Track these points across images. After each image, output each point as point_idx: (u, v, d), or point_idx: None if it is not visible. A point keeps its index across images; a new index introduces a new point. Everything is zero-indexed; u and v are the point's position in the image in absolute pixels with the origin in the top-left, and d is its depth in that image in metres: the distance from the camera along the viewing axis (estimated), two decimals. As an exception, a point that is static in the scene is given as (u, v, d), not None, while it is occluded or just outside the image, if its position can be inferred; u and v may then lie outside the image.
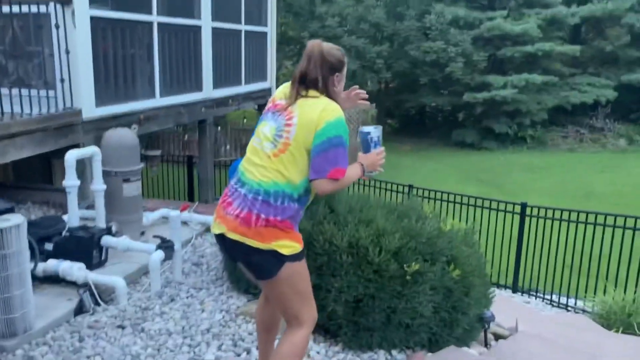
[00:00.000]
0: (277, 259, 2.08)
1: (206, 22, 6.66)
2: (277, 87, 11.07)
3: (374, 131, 2.25)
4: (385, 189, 7.01)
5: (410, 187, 6.71)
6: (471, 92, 18.65)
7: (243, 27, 7.82)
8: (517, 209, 6.05)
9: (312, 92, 2.12)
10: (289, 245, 2.09)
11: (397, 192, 6.88)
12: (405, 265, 2.94)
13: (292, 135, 2.07)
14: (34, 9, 4.33)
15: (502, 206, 6.16)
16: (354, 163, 2.20)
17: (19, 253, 2.62)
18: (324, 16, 19.12)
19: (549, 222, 5.96)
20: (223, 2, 7.36)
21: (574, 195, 11.72)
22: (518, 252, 6.19)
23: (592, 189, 12.20)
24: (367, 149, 2.26)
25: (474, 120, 19.78)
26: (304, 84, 2.12)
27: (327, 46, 2.17)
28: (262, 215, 2.06)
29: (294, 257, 2.11)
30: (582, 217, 5.70)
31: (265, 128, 2.14)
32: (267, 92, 8.81)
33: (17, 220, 2.61)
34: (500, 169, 14.86)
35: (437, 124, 22.53)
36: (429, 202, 6.51)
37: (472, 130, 19.36)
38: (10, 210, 2.18)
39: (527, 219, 6.03)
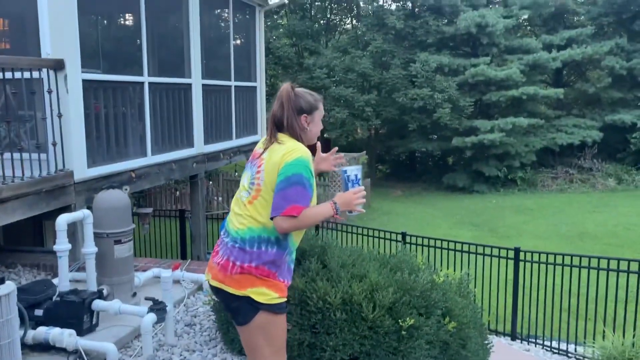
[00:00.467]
0: (252, 306, 2.13)
1: (196, 80, 6.82)
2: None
3: (351, 170, 2.27)
4: (379, 237, 6.99)
5: (404, 234, 6.70)
6: (460, 136, 18.95)
7: (233, 83, 8.00)
8: (511, 254, 6.05)
9: (281, 136, 2.23)
10: (265, 293, 2.13)
11: (391, 240, 6.87)
12: (400, 320, 2.92)
13: (262, 180, 2.17)
14: (27, 74, 4.43)
15: (495, 251, 6.15)
16: (326, 202, 2.23)
17: (8, 323, 2.58)
18: (312, 68, 19.60)
19: (543, 266, 5.96)
20: (213, 60, 7.56)
21: (567, 236, 11.74)
22: (514, 298, 6.14)
23: (585, 229, 12.24)
24: (345, 188, 2.29)
25: (464, 164, 20.01)
26: (276, 126, 2.25)
27: (299, 90, 2.29)
28: (237, 262, 2.14)
29: (271, 307, 2.14)
30: (576, 260, 5.70)
31: (244, 178, 2.30)
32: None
33: (6, 289, 2.58)
34: (493, 212, 14.92)
35: (428, 169, 22.75)
36: (422, 249, 6.50)
37: (462, 174, 19.56)
38: (1, 281, 2.16)
39: (521, 264, 6.01)
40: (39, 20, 4.61)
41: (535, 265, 5.98)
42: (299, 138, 2.22)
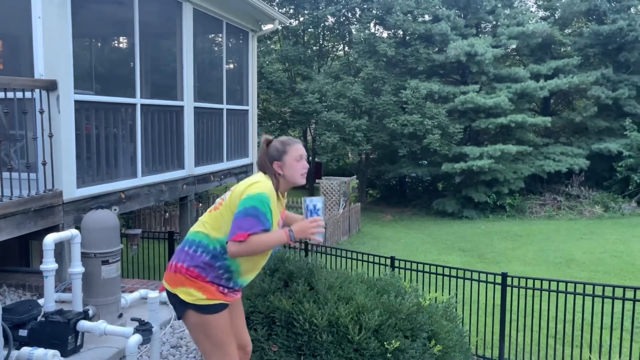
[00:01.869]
0: (181, 304, 2.38)
1: (188, 103, 6.89)
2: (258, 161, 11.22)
3: (312, 200, 2.34)
4: (368, 262, 7.00)
5: (393, 259, 6.72)
6: (449, 162, 19.12)
7: (225, 106, 8.08)
8: (498, 279, 6.09)
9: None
10: (191, 294, 2.35)
11: (380, 264, 6.88)
12: (385, 342, 2.93)
13: (225, 199, 2.42)
14: (19, 94, 4.47)
15: (483, 277, 6.19)
16: (281, 229, 2.40)
17: (-9, 342, 2.56)
18: (304, 93, 19.80)
19: (530, 291, 5.99)
20: (205, 84, 7.65)
21: (555, 262, 11.81)
22: (502, 323, 6.15)
23: (572, 256, 12.31)
24: (306, 217, 2.39)
25: (453, 189, 20.15)
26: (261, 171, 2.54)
27: (275, 140, 2.54)
28: (174, 262, 2.43)
29: (198, 308, 2.36)
30: (563, 286, 5.75)
31: None
32: (249, 167, 8.97)
33: (-9, 307, 2.57)
34: (482, 238, 14.99)
35: (418, 194, 22.87)
36: (411, 274, 6.52)
37: (452, 200, 19.68)
38: (-15, 300, 2.16)
39: (508, 289, 6.05)
40: (33, 42, 4.67)
41: (523, 291, 6.01)
42: (279, 181, 2.46)
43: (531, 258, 12.27)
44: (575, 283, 5.66)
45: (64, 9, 4.69)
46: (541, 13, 23.44)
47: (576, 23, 23.60)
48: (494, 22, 22.10)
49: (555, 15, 22.81)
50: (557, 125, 21.53)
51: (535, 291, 5.96)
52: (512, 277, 6.02)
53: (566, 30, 22.61)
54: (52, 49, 4.64)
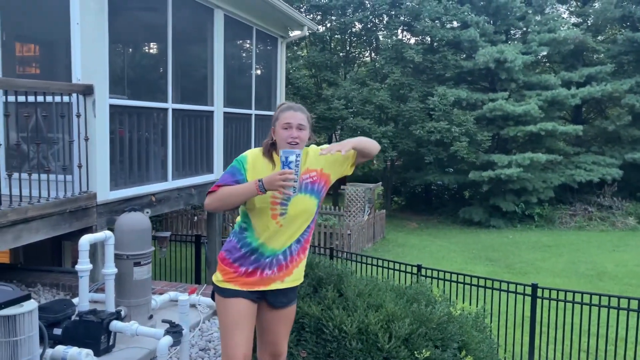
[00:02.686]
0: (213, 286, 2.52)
1: (218, 108, 6.97)
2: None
3: (284, 152, 2.25)
4: (394, 269, 6.96)
5: (419, 267, 6.67)
6: (477, 170, 18.89)
7: (253, 111, 8.15)
8: (528, 290, 5.98)
9: None
10: (216, 276, 2.48)
11: (406, 272, 6.83)
12: (416, 352, 2.90)
13: None
14: (57, 98, 4.59)
15: (512, 287, 6.08)
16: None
17: (29, 340, 2.63)
18: (330, 99, 19.84)
19: (561, 304, 5.86)
20: (235, 89, 7.73)
21: (586, 275, 11.53)
22: (531, 335, 6.03)
23: (604, 268, 12.01)
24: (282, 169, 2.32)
25: (480, 198, 19.88)
26: None
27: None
28: None
29: (217, 289, 2.48)
30: (596, 299, 5.61)
31: None
32: (275, 173, 9.01)
33: (29, 306, 2.64)
34: (509, 248, 14.74)
35: (444, 202, 22.63)
36: (437, 282, 6.45)
37: (479, 208, 19.41)
38: (27, 298, 2.22)
39: (538, 301, 5.93)
40: (71, 47, 4.79)
41: (554, 303, 5.89)
42: (275, 146, 2.45)
43: (561, 269, 12.01)
44: (609, 296, 5.53)
45: (101, 15, 4.80)
46: (573, 19, 23.03)
47: (610, 30, 23.10)
48: (524, 29, 21.80)
49: (588, 21, 22.40)
50: (589, 133, 21.07)
51: (567, 304, 5.84)
52: (543, 289, 5.91)
53: (599, 37, 22.17)
54: (89, 54, 4.75)
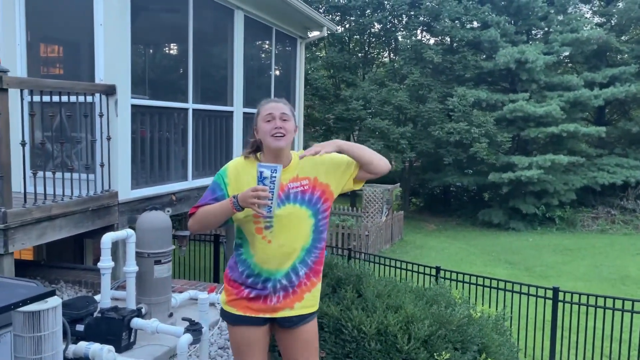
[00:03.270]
0: None
1: (238, 108, 7.01)
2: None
3: (260, 166, 2.03)
4: (412, 271, 6.92)
5: (438, 269, 6.62)
6: (496, 172, 18.69)
7: (273, 112, 8.17)
8: (549, 293, 5.89)
9: None
10: (222, 294, 2.34)
11: (424, 274, 6.79)
12: (435, 353, 2.88)
13: None
14: (81, 98, 4.66)
15: (532, 290, 6.01)
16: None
17: (53, 335, 2.67)
18: (348, 99, 19.81)
19: (583, 308, 5.77)
20: (254, 89, 7.77)
21: (609, 278, 11.33)
22: (552, 340, 5.95)
23: (627, 272, 11.78)
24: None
25: (500, 200, 19.67)
26: None
27: None
28: None
29: (220, 310, 2.34)
30: (619, 303, 5.51)
31: None
32: (294, 173, 9.02)
33: (53, 303, 2.68)
34: (530, 251, 14.55)
35: (463, 204, 22.43)
36: (457, 285, 6.40)
37: (498, 211, 19.20)
38: (51, 294, 2.26)
39: (560, 305, 5.85)
40: (95, 48, 4.86)
41: (575, 307, 5.81)
42: (259, 148, 2.30)
43: (583, 273, 11.82)
44: (633, 301, 5.42)
45: (124, 16, 4.86)
46: (597, 19, 22.64)
47: (634, 30, 22.66)
48: (546, 29, 21.51)
49: (612, 21, 22.00)
50: (612, 135, 20.70)
51: (589, 307, 5.74)
52: (564, 292, 5.82)
53: (623, 37, 21.76)
54: (112, 54, 4.82)
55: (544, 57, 18.97)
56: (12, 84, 3.85)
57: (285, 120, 2.19)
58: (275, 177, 1.99)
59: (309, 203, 2.20)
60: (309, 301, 2.25)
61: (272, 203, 2.01)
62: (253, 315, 2.22)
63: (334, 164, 2.26)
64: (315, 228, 2.22)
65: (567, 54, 20.90)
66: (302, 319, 2.25)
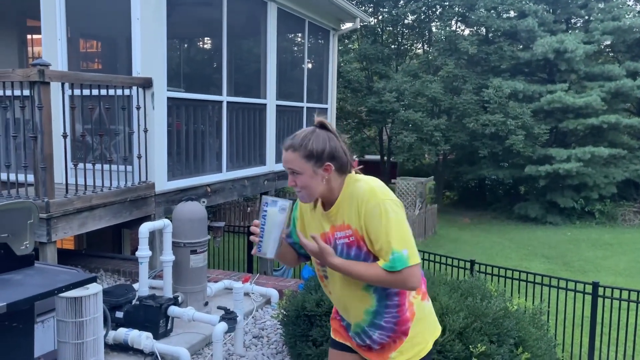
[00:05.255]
0: None
1: (271, 101, 7.05)
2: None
3: (264, 199, 1.79)
4: (446, 264, 6.84)
5: (473, 262, 6.52)
6: (533, 164, 18.26)
7: (305, 104, 8.19)
8: (589, 288, 5.73)
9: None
10: None
11: (459, 267, 6.70)
12: (470, 346, 2.84)
13: None
14: (119, 92, 4.77)
15: (571, 285, 5.85)
16: None
17: (95, 321, 2.75)
18: (381, 91, 19.65)
19: (624, 303, 5.60)
20: (287, 82, 7.79)
21: (651, 274, 10.95)
22: (591, 336, 5.79)
23: (671, 268, 11.37)
24: None
25: (537, 193, 19.22)
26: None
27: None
28: None
29: None
30: (662, 299, 5.32)
31: None
32: (327, 166, 9.03)
33: (95, 289, 2.76)
34: (568, 245, 14.19)
35: (498, 197, 22.01)
36: (492, 279, 6.29)
37: (535, 204, 18.76)
38: (92, 281, 2.33)
39: (599, 300, 5.68)
40: (131, 42, 4.96)
41: (616, 303, 5.64)
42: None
43: (623, 268, 11.46)
44: (678, 297, 5.23)
45: (160, 10, 4.94)
46: (639, 7, 21.79)
47: (680, 17, 21.71)
48: (586, 17, 20.81)
49: (656, 8, 21.14)
50: (656, 127, 19.92)
51: (630, 303, 5.57)
52: (604, 288, 5.66)
53: (668, 25, 20.87)
54: (148, 48, 4.91)
55: (584, 46, 18.37)
56: (53, 77, 3.96)
57: (295, 173, 1.79)
58: (265, 211, 1.74)
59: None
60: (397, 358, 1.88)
61: (261, 241, 1.75)
62: (340, 340, 2.03)
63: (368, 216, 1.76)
64: (376, 288, 1.81)
65: (608, 43, 20.18)
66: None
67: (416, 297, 1.88)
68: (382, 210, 1.70)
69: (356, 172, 1.87)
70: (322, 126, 1.86)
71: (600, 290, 5.65)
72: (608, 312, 5.63)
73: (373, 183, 1.79)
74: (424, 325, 1.92)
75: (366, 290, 1.82)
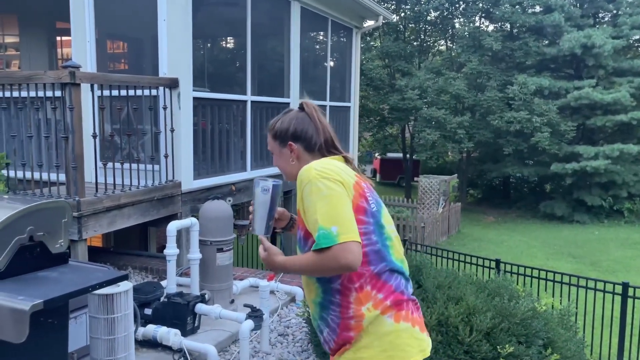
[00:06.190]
0: None
1: (294, 100, 7.07)
2: (357, 157, 11.20)
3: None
4: (471, 263, 6.78)
5: (498, 261, 6.45)
6: (559, 162, 17.94)
7: (328, 102, 8.20)
8: (618, 289, 5.62)
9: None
10: None
11: (484, 266, 6.63)
12: (498, 346, 2.82)
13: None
14: (146, 92, 4.85)
15: (600, 285, 5.75)
16: None
17: (125, 317, 2.81)
18: (404, 89, 19.53)
19: (655, 305, 5.48)
20: (310, 81, 7.81)
21: (683, 275, 10.68)
22: (621, 337, 5.69)
23: None
24: None
25: (563, 191, 18.89)
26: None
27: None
28: None
29: None
30: (695, 300, 5.19)
31: (386, 211, 1.80)
32: (350, 164, 9.03)
33: (125, 286, 2.82)
34: (595, 245, 13.92)
35: (523, 195, 21.70)
36: (518, 278, 6.22)
37: (561, 203, 18.44)
38: (124, 279, 2.38)
39: (629, 301, 5.57)
40: (157, 43, 5.03)
41: (647, 304, 5.52)
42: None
43: (654, 268, 11.20)
44: None
45: (186, 11, 5.00)
46: (671, 0, 21.21)
47: None
48: (615, 11, 20.34)
49: (688, 1, 20.53)
50: (688, 123, 19.37)
51: (662, 305, 5.45)
52: (635, 288, 5.54)
53: (701, 18, 20.27)
54: (174, 49, 4.97)
55: (613, 41, 17.97)
56: (84, 79, 4.05)
57: (272, 154, 1.87)
58: (255, 191, 1.73)
59: (300, 244, 1.73)
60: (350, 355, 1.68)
61: (253, 219, 1.75)
62: None
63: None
64: (318, 278, 1.67)
65: (637, 37, 19.73)
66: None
67: (371, 310, 1.63)
68: (312, 188, 1.58)
69: (345, 157, 1.81)
70: (301, 107, 1.83)
71: (630, 291, 5.53)
72: (638, 312, 5.51)
73: (315, 163, 1.67)
74: (378, 343, 1.64)
75: (310, 278, 1.71)
